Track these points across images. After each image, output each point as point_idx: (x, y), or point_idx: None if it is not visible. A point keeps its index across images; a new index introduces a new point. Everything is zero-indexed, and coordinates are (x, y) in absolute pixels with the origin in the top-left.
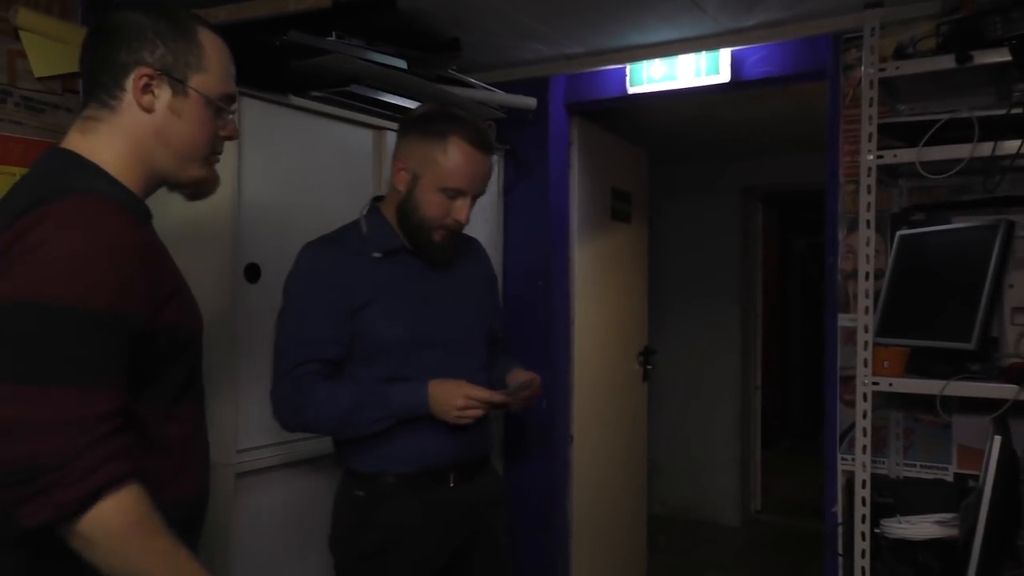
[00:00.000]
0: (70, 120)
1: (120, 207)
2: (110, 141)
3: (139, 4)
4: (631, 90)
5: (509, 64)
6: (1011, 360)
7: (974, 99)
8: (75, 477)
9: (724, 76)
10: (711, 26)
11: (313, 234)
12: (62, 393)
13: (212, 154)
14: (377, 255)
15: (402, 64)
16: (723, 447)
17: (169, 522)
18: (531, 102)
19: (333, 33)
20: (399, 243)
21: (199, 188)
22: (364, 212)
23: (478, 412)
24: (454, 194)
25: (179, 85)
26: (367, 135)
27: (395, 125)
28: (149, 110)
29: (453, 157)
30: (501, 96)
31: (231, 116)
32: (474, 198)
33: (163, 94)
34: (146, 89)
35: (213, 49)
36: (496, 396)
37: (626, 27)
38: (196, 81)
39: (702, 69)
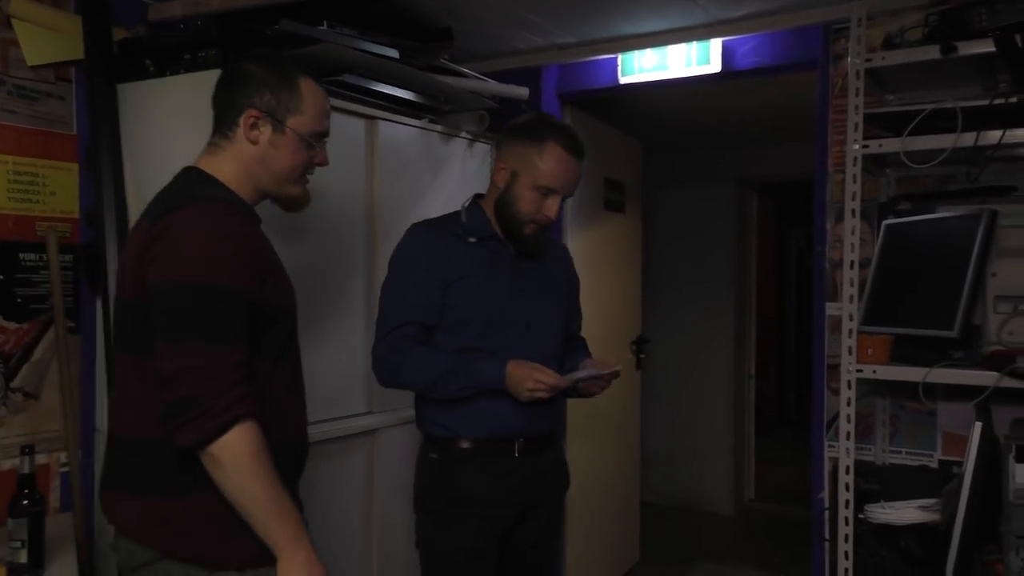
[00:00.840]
0: (63, 108)
1: (235, 210)
2: (228, 163)
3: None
4: (623, 80)
5: (502, 54)
6: (993, 347)
7: (962, 89)
8: (217, 411)
9: (715, 66)
10: (701, 16)
11: (302, 224)
12: (205, 348)
13: (304, 176)
14: (472, 240)
15: (394, 54)
16: (717, 436)
17: (278, 457)
18: (523, 92)
19: (325, 22)
20: (492, 232)
21: (293, 203)
22: (466, 205)
23: (545, 395)
24: (547, 192)
25: (279, 125)
26: (359, 124)
27: (387, 114)
28: (255, 143)
29: (549, 160)
30: (493, 86)
31: (321, 147)
32: (564, 198)
33: (266, 130)
34: (253, 127)
35: (310, 95)
36: (563, 382)
37: (617, 17)
38: (293, 122)
39: (693, 59)
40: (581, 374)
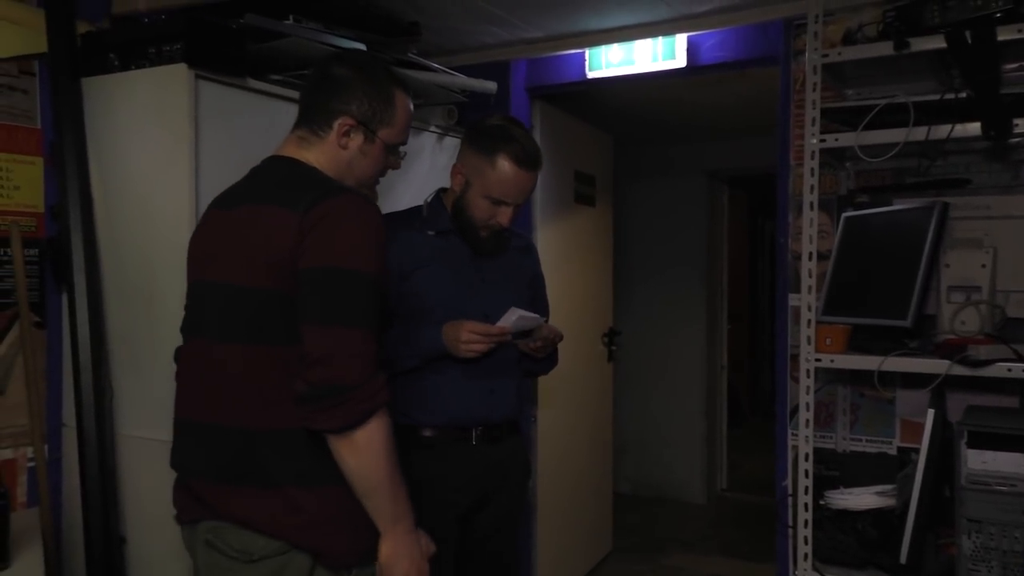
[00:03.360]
0: (26, 102)
1: (373, 202)
2: (318, 157)
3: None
4: (590, 75)
5: (469, 48)
6: (946, 336)
7: (918, 85)
8: (367, 395)
9: (680, 61)
10: (667, 11)
11: None
12: (358, 333)
13: (378, 180)
14: (431, 233)
15: (361, 48)
16: (690, 426)
17: None
18: (491, 86)
19: (291, 16)
20: (451, 226)
21: None
22: (428, 199)
23: (481, 346)
24: (498, 202)
25: (371, 135)
26: None
27: None
28: (345, 148)
29: (499, 172)
30: (462, 80)
31: (399, 153)
32: (518, 206)
33: (357, 138)
34: (346, 134)
35: (402, 108)
36: (493, 329)
37: (584, 12)
38: (383, 133)
39: (659, 54)
40: (512, 317)
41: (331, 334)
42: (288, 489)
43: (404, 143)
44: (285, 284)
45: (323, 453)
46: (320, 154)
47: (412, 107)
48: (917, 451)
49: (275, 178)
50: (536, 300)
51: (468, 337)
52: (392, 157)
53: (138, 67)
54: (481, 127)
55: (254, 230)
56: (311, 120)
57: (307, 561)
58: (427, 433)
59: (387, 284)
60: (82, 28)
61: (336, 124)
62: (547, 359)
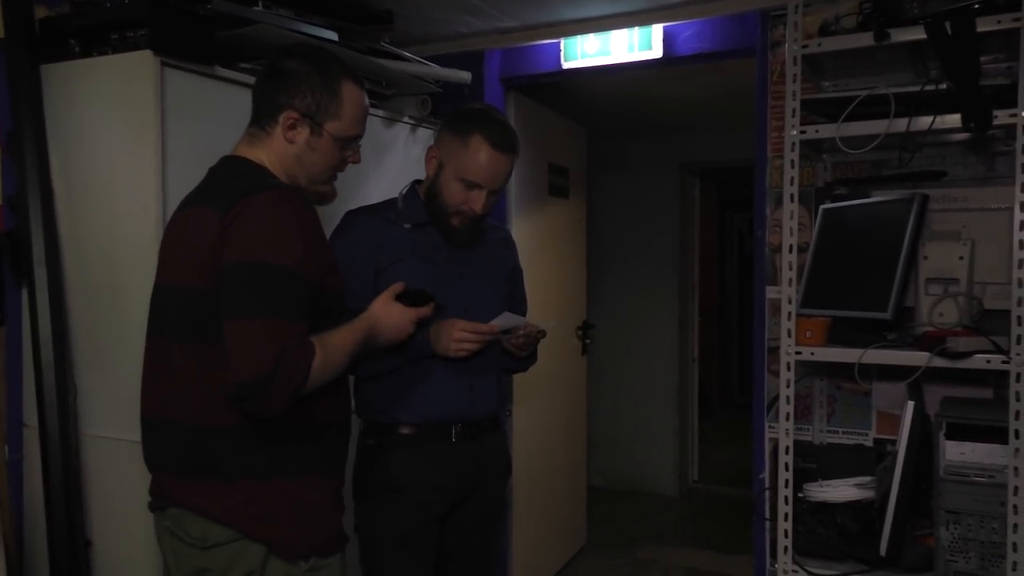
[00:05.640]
0: None
1: (302, 198)
2: (268, 155)
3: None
4: (566, 65)
5: (443, 38)
6: (925, 328)
7: (896, 76)
8: (285, 380)
9: (656, 52)
10: (643, 1)
11: None
12: (267, 323)
13: (335, 175)
14: (407, 226)
15: (333, 36)
16: (661, 419)
17: (327, 438)
18: (465, 76)
19: (260, 2)
20: (427, 218)
21: (321, 198)
22: (404, 191)
23: (472, 345)
24: (471, 185)
25: (317, 128)
26: None
27: None
28: (292, 142)
29: (472, 153)
30: (435, 70)
31: (355, 147)
32: (492, 192)
33: (303, 131)
34: (291, 127)
35: (350, 101)
36: (484, 328)
37: (559, 1)
38: (330, 126)
39: (635, 44)
40: (501, 320)
41: (240, 328)
42: (240, 483)
43: (359, 136)
44: (215, 283)
45: (273, 448)
46: (269, 151)
47: (366, 99)
48: (893, 443)
49: (218, 178)
50: (515, 294)
51: (461, 336)
52: (348, 151)
53: (100, 54)
54: (459, 111)
55: (188, 232)
56: (260, 116)
57: (260, 551)
58: (405, 431)
59: (319, 280)
60: (41, 12)
61: (281, 118)
62: (528, 356)
